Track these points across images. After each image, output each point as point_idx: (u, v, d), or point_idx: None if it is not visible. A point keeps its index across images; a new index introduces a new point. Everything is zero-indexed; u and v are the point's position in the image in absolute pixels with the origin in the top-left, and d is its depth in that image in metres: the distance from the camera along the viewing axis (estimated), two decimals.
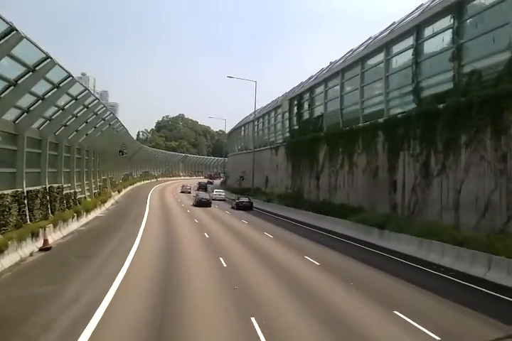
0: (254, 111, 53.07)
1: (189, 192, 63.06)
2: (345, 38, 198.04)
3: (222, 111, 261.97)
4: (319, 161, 35.03)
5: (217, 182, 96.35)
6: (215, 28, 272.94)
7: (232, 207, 42.18)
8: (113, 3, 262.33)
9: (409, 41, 23.47)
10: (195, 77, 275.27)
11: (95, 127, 30.57)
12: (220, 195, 54.48)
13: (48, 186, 21.78)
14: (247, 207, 40.65)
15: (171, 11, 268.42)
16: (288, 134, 45.39)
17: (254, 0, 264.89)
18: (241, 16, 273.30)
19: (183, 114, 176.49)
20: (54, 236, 20.34)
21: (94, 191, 35.52)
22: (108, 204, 38.10)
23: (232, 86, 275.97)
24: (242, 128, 70.58)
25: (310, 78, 41.27)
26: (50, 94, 18.63)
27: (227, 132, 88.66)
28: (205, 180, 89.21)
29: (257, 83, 53.05)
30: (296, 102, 42.85)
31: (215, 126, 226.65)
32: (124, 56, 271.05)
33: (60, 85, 18.84)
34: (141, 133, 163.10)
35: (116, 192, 48.83)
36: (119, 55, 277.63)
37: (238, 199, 42.90)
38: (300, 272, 14.96)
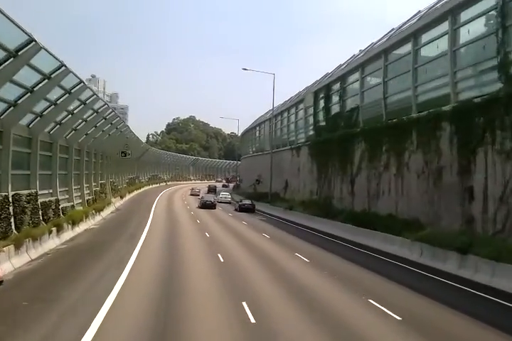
0: (273, 108, 47.50)
1: (198, 195, 59.38)
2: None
3: (234, 113, 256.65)
4: (354, 162, 29.30)
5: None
6: (226, 29, 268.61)
7: (236, 209, 43.91)
8: (122, 5, 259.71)
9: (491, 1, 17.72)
10: (206, 78, 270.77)
11: (96, 126, 28.33)
12: (225, 197, 54.70)
13: (11, 193, 16.43)
14: (249, 209, 42.61)
15: (182, 11, 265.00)
16: (312, 132, 39.75)
17: (265, 1, 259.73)
18: (251, 17, 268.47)
19: (194, 116, 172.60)
20: (16, 261, 14.85)
21: (87, 197, 30.23)
22: (106, 213, 32.80)
23: (244, 88, 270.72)
24: (257, 128, 65.06)
25: (339, 67, 35.56)
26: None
27: (239, 134, 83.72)
28: (216, 184, 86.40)
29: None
30: (322, 95, 37.18)
31: (227, 128, 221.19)
32: (134, 58, 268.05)
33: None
34: (150, 136, 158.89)
35: (119, 197, 43.58)
36: (129, 57, 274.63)
37: (241, 201, 45.30)
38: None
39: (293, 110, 46.20)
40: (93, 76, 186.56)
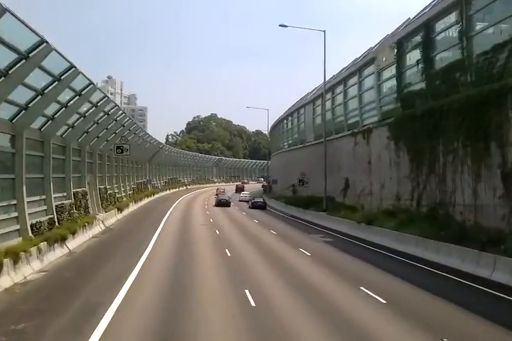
0: (324, 81, 33.98)
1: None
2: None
3: (257, 111, 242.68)
4: (509, 140, 15.88)
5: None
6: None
7: (249, 207, 45.95)
8: (140, 7, 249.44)
9: None
10: (225, 77, 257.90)
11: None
12: (245, 197, 56.01)
13: None
14: (260, 207, 44.97)
15: (199, 13, 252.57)
16: (391, 106, 26.47)
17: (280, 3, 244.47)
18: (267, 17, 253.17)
19: (215, 114, 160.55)
20: None
21: (45, 218, 17.64)
22: (79, 241, 20.20)
23: (269, 85, 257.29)
24: (295, 115, 51.78)
25: None
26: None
27: (269, 127, 70.39)
28: (242, 185, 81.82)
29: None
30: (411, 45, 23.85)
31: (251, 126, 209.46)
32: (151, 58, 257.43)
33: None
34: (170, 137, 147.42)
35: (115, 210, 31.07)
36: (146, 57, 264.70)
37: (253, 199, 48.34)
38: None
39: (353, 80, 32.73)
40: (109, 77, 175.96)
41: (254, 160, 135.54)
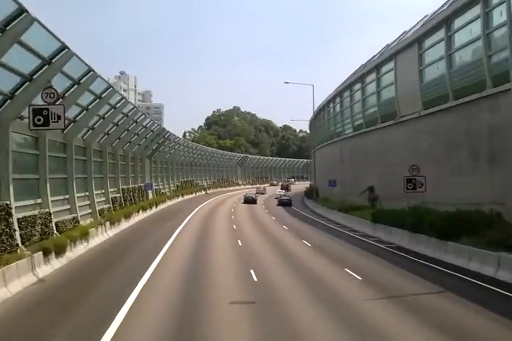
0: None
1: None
2: None
3: (285, 104, 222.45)
4: None
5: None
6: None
7: (278, 204, 46.50)
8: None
9: None
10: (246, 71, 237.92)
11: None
12: (280, 195, 53.43)
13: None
14: (286, 204, 45.89)
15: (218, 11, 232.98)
16: None
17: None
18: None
19: (238, 107, 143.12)
20: None
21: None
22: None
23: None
24: (357, 86, 34.18)
25: None
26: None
27: (314, 112, 50.92)
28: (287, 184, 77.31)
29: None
30: None
31: (278, 120, 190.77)
32: (167, 55, 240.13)
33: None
34: (187, 134, 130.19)
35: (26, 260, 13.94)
36: (161, 54, 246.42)
37: (281, 197, 49.92)
38: None
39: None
40: (122, 73, 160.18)
41: (284, 159, 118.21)
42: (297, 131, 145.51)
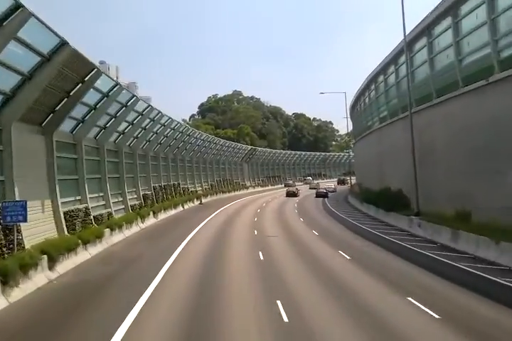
0: None
1: None
2: None
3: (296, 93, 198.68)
4: None
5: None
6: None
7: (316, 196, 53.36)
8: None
9: None
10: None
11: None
12: (329, 188, 62.69)
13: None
14: (323, 195, 53.33)
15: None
16: None
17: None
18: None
19: (239, 91, 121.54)
20: None
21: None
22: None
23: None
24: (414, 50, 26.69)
25: None
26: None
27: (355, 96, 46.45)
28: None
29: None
30: None
31: (289, 108, 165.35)
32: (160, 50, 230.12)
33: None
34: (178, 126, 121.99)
35: None
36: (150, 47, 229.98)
37: (318, 189, 57.85)
38: None
39: None
40: (102, 62, 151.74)
41: (300, 152, 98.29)
42: (311, 118, 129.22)
